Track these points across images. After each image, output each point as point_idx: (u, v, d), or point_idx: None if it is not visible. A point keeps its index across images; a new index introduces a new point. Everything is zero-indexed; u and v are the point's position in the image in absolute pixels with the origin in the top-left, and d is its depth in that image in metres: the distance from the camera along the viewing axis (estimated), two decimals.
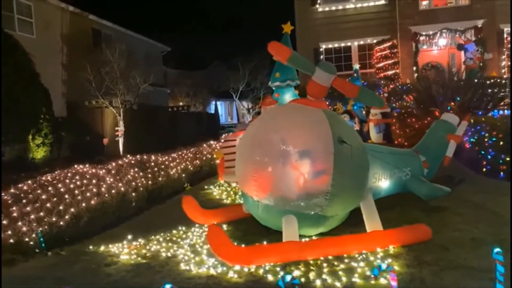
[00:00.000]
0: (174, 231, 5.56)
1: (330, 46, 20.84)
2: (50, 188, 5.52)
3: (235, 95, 32.03)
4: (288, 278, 3.09)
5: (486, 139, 7.88)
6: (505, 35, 19.19)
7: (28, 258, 4.84)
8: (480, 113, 10.36)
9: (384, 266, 3.12)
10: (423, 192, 5.40)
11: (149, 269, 4.35)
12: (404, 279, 3.72)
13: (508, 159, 7.22)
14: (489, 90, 11.34)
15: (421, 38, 19.28)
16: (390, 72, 19.08)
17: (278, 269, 4.06)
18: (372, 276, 3.61)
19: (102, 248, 5.07)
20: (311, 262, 4.22)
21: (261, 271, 4.05)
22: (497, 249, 3.19)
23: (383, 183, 5.25)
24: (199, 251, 4.73)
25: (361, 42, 20.48)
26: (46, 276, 4.31)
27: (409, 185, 5.41)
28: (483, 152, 7.94)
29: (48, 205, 5.25)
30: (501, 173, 7.46)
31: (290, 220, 4.48)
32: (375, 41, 19.94)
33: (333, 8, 20.58)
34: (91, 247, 5.14)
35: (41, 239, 5.00)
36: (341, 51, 20.62)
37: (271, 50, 4.82)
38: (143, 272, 4.26)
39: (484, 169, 7.80)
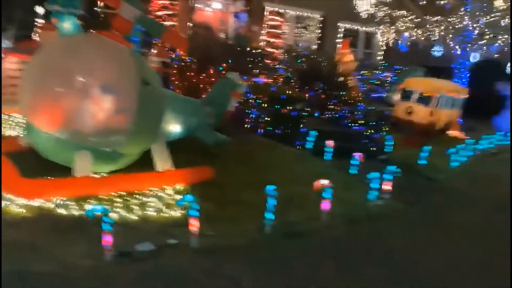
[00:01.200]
0: None
1: None
2: None
3: None
4: (98, 209, 3.13)
5: (251, 101, 9.12)
6: (265, 12, 21.83)
7: None
8: (245, 77, 11.76)
9: (189, 197, 3.49)
10: (210, 140, 5.93)
11: None
12: None
13: (267, 119, 8.62)
14: (251, 58, 12.93)
15: None
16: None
17: (72, 203, 3.95)
18: (178, 206, 3.99)
19: None
20: (104, 197, 4.25)
21: (51, 206, 3.86)
22: (273, 187, 3.99)
23: (173, 127, 5.57)
24: None
25: None
26: None
27: (197, 133, 5.87)
28: (247, 111, 9.17)
29: None
30: (259, 129, 8.84)
31: (84, 156, 4.35)
32: None
33: None
34: None
35: None
36: None
37: None
38: None
39: (247, 126, 9.05)
